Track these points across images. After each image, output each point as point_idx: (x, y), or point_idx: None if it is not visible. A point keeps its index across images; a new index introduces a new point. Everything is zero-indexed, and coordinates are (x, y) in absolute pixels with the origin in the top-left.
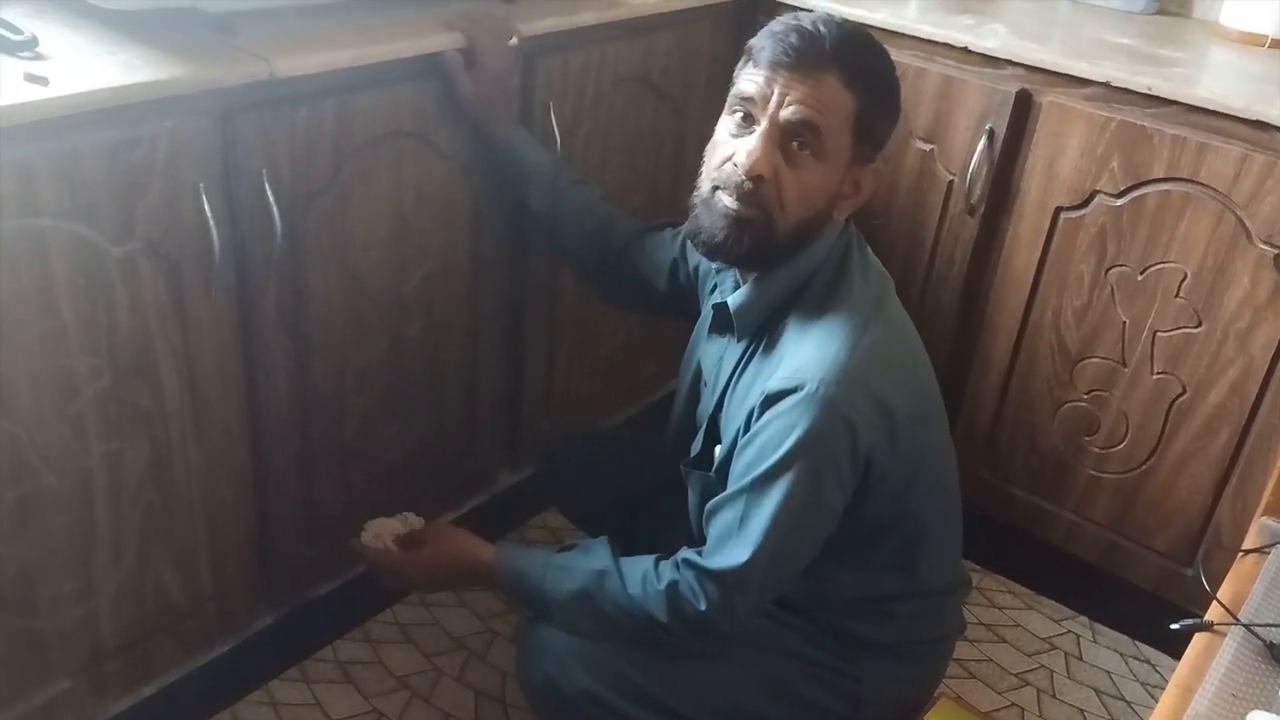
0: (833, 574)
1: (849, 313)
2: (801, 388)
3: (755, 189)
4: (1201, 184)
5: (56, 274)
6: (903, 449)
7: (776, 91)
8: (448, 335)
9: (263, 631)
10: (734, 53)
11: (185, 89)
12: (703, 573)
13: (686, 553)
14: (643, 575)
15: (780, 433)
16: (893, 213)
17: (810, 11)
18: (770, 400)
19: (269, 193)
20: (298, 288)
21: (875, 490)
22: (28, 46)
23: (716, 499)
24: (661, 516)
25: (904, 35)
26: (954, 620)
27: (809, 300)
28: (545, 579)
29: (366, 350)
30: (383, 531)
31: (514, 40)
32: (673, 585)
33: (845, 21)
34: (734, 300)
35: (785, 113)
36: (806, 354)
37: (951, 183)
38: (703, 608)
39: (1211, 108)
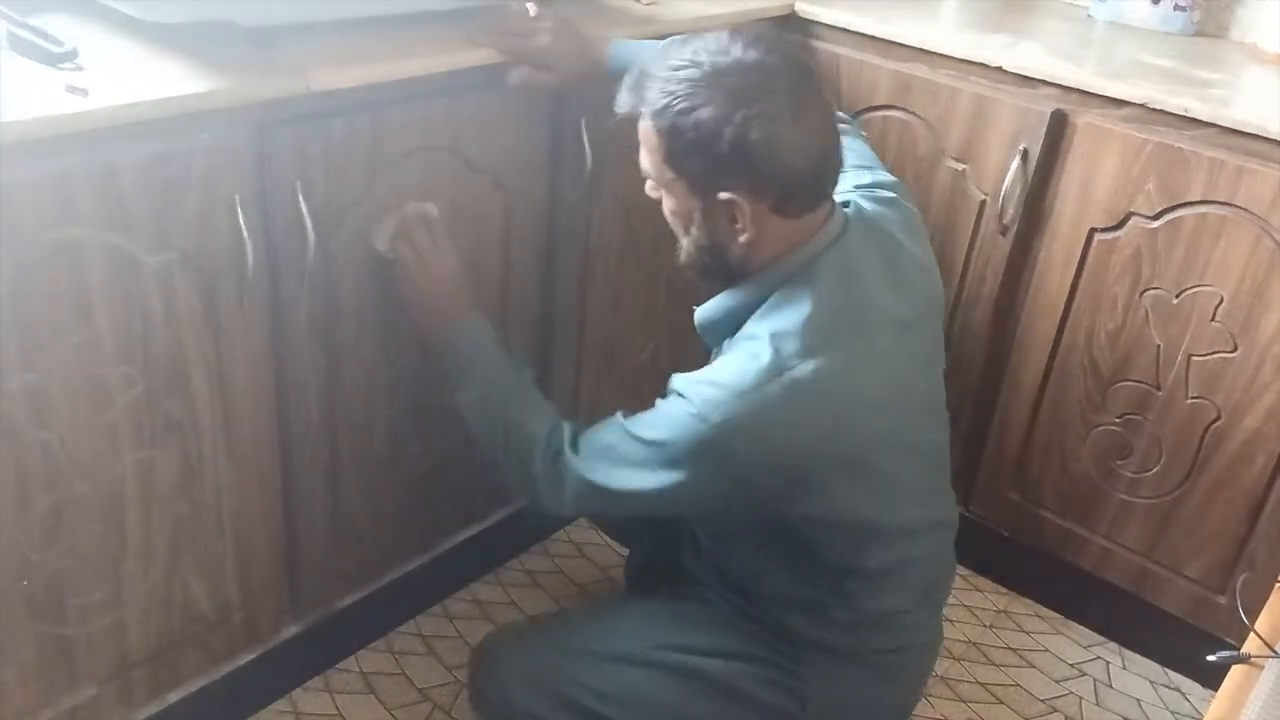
0: (768, 569)
1: (779, 344)
2: (692, 403)
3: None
4: (1239, 207)
5: (93, 284)
6: (806, 495)
7: None
8: None
9: (287, 641)
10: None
11: (223, 102)
12: (562, 455)
13: (573, 431)
14: (544, 420)
15: (660, 419)
16: None
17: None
18: (673, 387)
19: (303, 206)
20: (330, 301)
21: (771, 510)
22: (68, 58)
23: (617, 415)
24: (688, 526)
25: (938, 54)
26: (919, 634)
27: (755, 322)
28: (479, 364)
29: (396, 363)
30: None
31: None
32: (536, 436)
33: (659, 52)
34: (699, 314)
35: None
36: (716, 373)
37: (984, 203)
38: (536, 471)
39: (1249, 130)
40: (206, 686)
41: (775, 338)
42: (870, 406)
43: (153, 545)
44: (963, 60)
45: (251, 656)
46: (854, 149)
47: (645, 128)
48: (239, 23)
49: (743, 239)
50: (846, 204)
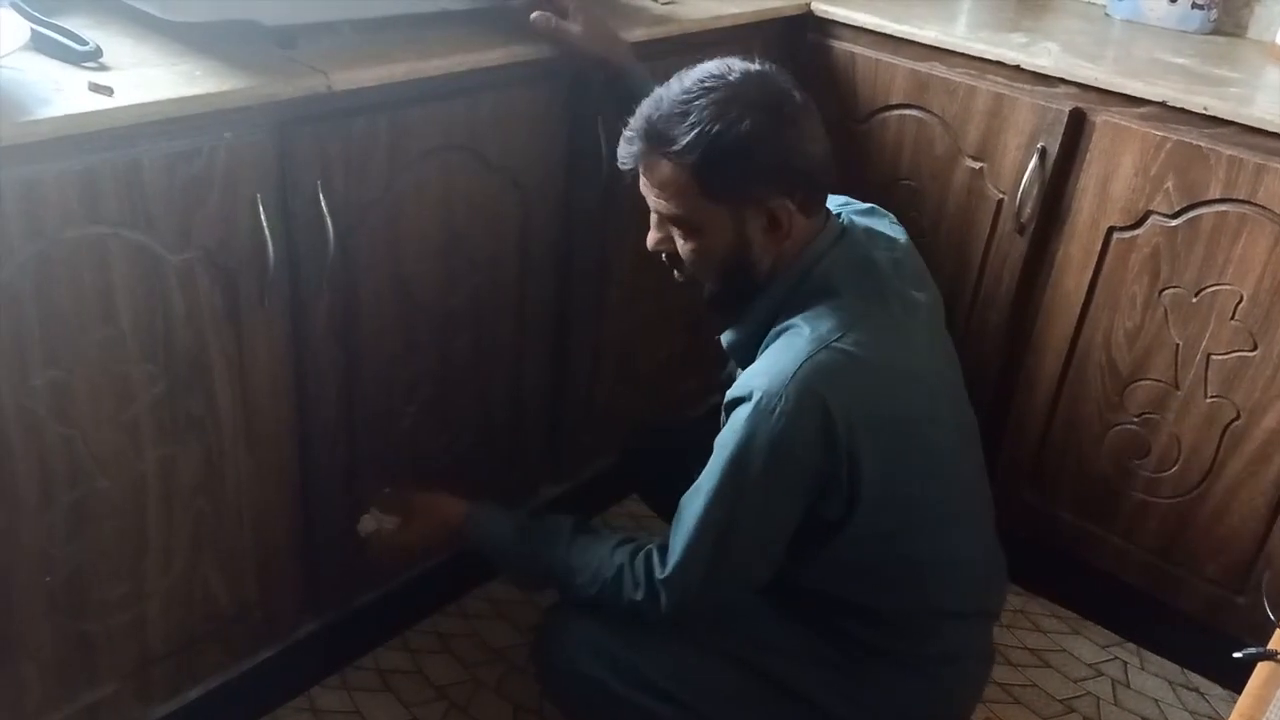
0: (804, 573)
1: (816, 326)
2: (750, 397)
3: (670, 263)
4: (1259, 205)
5: (116, 282)
6: (867, 471)
7: (643, 187)
8: (494, 347)
9: (305, 639)
10: (784, 69)
11: (244, 101)
12: (651, 564)
13: (655, 544)
14: (596, 565)
15: (729, 439)
16: (940, 230)
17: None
18: (729, 407)
19: (323, 204)
20: (349, 299)
21: (831, 500)
22: (92, 57)
23: (686, 494)
24: None
25: (955, 53)
26: (973, 642)
27: (783, 322)
28: (511, 555)
29: (415, 361)
30: (374, 522)
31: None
32: (619, 570)
33: (657, 97)
34: (725, 339)
35: (652, 204)
36: (764, 365)
37: (1001, 201)
38: (639, 598)
39: (1269, 129)
40: (225, 683)
41: (811, 321)
42: (909, 376)
43: (173, 541)
44: (980, 59)
45: (270, 654)
46: None
47: (669, 169)
48: (261, 22)
49: (780, 244)
50: (837, 214)
